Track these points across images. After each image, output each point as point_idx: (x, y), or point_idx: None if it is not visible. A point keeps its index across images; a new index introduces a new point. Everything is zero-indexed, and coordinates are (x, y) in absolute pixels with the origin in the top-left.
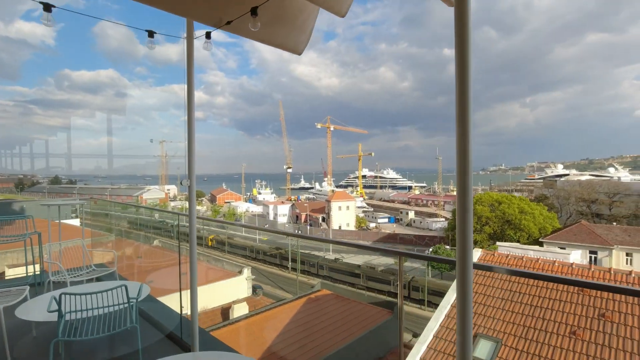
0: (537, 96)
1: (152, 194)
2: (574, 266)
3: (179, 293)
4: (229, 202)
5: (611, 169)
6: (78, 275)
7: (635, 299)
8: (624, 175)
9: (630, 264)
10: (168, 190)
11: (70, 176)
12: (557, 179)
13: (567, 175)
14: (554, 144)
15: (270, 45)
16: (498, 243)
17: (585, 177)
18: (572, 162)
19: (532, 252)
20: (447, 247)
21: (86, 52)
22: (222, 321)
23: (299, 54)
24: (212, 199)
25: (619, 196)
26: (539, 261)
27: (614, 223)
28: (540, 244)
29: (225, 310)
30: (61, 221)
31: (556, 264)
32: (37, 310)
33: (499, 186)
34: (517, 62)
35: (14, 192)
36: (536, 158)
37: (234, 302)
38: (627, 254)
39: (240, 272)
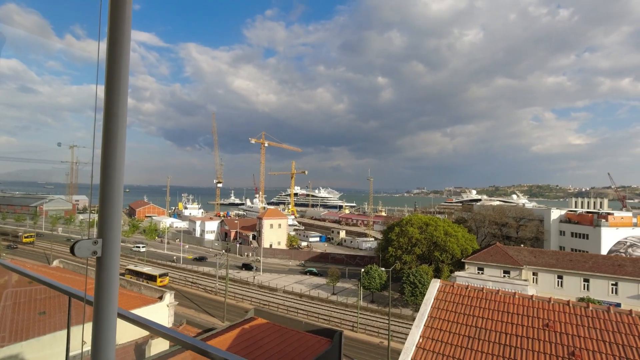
0: (456, 127)
1: (55, 205)
2: (534, 298)
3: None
4: (150, 217)
5: (514, 196)
6: None
7: (600, 334)
8: (526, 201)
9: (536, 282)
10: (77, 201)
11: None
12: (474, 203)
13: (480, 200)
14: (467, 171)
15: None
16: (456, 273)
17: (496, 202)
18: (482, 188)
19: (490, 283)
20: (382, 268)
21: None
22: None
23: None
24: (131, 213)
25: (524, 220)
26: (500, 293)
27: (521, 245)
28: (462, 265)
29: (139, 347)
30: None
31: (517, 296)
32: None
33: (422, 208)
34: (440, 95)
35: None
36: (452, 183)
37: (151, 336)
38: (533, 274)
39: (161, 298)
